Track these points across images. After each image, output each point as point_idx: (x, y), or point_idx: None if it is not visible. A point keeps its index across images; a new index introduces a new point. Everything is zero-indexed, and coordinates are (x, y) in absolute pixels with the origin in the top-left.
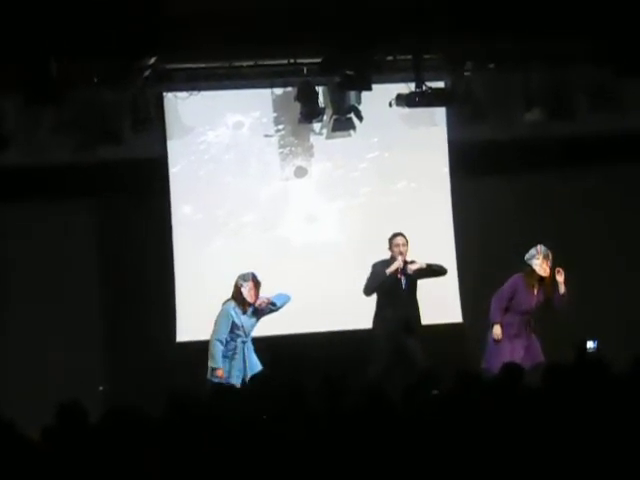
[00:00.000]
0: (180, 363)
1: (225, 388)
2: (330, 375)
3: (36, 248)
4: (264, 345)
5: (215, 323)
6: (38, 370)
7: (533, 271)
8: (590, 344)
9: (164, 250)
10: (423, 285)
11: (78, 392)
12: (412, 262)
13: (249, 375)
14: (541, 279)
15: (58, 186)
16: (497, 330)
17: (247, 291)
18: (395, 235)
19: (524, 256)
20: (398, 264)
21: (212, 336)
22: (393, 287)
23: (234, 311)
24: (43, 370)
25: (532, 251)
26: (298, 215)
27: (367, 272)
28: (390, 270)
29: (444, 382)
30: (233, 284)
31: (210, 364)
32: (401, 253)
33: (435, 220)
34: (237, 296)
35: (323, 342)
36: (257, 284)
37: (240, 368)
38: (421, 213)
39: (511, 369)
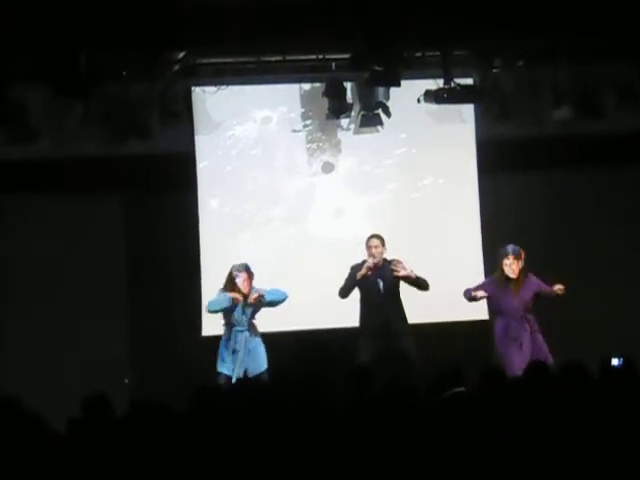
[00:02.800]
0: (205, 357)
1: (248, 382)
2: (356, 368)
3: (63, 240)
4: (291, 340)
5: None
6: (62, 362)
7: (502, 271)
8: (615, 361)
9: (190, 244)
10: (450, 282)
11: (103, 384)
12: (401, 267)
13: (250, 372)
14: (509, 279)
15: (86, 179)
16: (475, 292)
17: (241, 282)
18: (370, 237)
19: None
20: (366, 268)
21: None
22: (370, 290)
23: (223, 300)
24: (68, 362)
25: (502, 251)
26: (325, 210)
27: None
28: (360, 273)
29: (469, 379)
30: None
31: (210, 308)
32: (373, 255)
33: (462, 217)
34: (229, 287)
35: (350, 337)
36: (250, 275)
37: (243, 360)
38: (448, 210)
39: (537, 367)
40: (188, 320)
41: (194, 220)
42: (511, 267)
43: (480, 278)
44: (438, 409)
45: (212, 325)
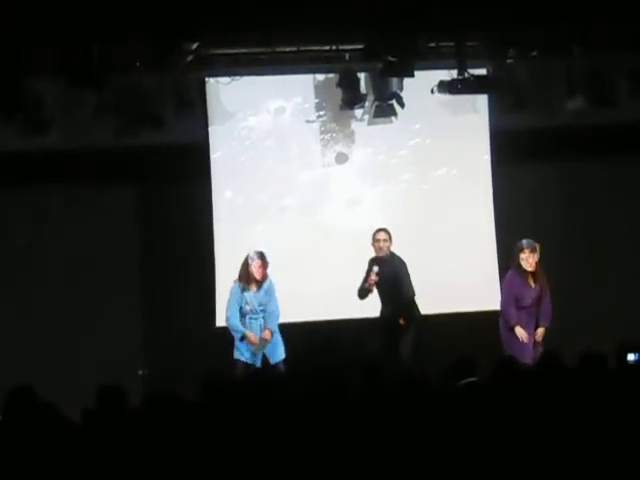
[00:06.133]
0: (219, 348)
1: (258, 371)
2: (368, 361)
3: (77, 231)
4: (302, 331)
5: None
6: (78, 353)
7: (520, 265)
8: (631, 357)
9: (204, 235)
10: (463, 272)
11: (117, 375)
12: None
13: (271, 359)
14: (531, 273)
15: (99, 170)
16: (520, 331)
17: (255, 269)
18: (378, 230)
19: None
20: (371, 281)
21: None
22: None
23: (237, 289)
24: (83, 353)
25: (518, 244)
26: (338, 201)
27: (406, 258)
28: (369, 285)
29: (482, 369)
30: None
31: (236, 335)
32: (380, 249)
33: (476, 207)
34: (243, 273)
35: (363, 328)
36: (265, 263)
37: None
38: (462, 200)
39: (550, 357)
40: (202, 311)
41: (208, 210)
42: (528, 260)
43: (493, 268)
44: (451, 399)
45: None
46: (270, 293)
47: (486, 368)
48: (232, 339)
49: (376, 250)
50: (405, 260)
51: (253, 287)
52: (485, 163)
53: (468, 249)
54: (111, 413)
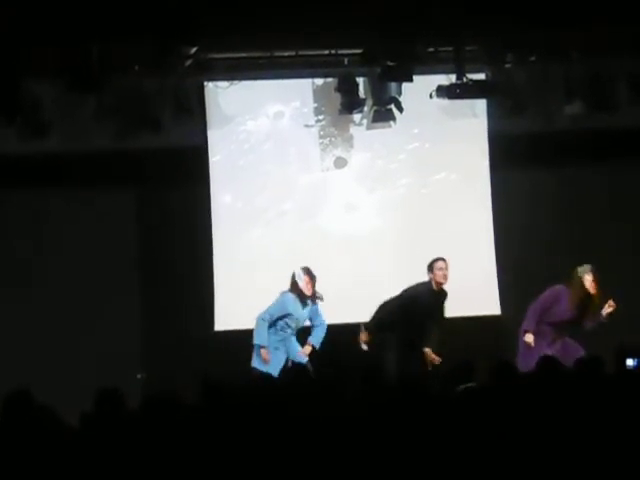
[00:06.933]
0: (218, 352)
1: (262, 377)
2: (368, 365)
3: (76, 234)
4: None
5: (269, 307)
6: (76, 357)
7: (582, 286)
8: (630, 362)
9: (203, 238)
10: (462, 277)
11: (116, 379)
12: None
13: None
14: (588, 295)
15: (98, 173)
16: (529, 338)
17: (304, 284)
18: (437, 260)
19: (574, 268)
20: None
21: (259, 316)
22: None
23: (293, 301)
24: (82, 357)
25: (585, 266)
26: (337, 205)
27: (405, 262)
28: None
29: (480, 374)
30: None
31: (258, 337)
32: (445, 276)
33: (474, 212)
34: (294, 289)
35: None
36: (312, 277)
37: (280, 360)
38: (460, 205)
39: (548, 362)
40: (201, 315)
41: (206, 214)
42: (592, 283)
43: (492, 273)
44: (450, 403)
45: (225, 320)
46: (315, 309)
47: (485, 373)
48: (230, 342)
49: (439, 279)
50: (403, 265)
51: (305, 302)
52: (484, 168)
53: (467, 253)
54: (109, 416)
